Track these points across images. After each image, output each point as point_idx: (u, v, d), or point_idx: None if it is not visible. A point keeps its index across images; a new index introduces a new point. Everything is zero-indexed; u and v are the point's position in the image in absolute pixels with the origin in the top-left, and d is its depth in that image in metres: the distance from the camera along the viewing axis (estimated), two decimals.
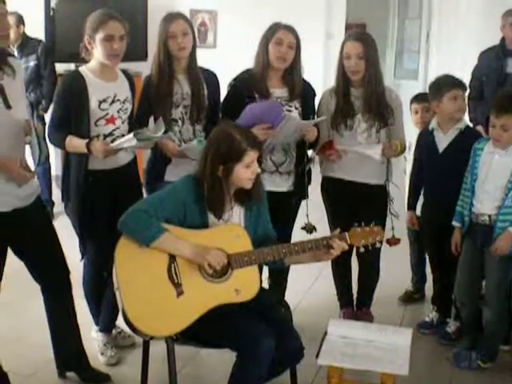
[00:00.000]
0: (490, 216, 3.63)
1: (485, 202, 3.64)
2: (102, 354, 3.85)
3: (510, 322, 4.18)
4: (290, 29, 3.83)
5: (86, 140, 3.48)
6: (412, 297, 4.78)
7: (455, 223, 3.87)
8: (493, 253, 3.62)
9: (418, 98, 4.43)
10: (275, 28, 3.83)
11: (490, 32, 7.24)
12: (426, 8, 9.44)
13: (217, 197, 3.04)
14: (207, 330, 2.98)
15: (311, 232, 3.91)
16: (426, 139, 4.11)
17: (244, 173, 3.02)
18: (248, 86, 3.84)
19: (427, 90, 4.22)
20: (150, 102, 3.78)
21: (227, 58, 6.84)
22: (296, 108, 3.89)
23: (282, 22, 3.86)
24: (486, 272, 3.75)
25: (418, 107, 4.38)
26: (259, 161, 3.10)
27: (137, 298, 2.94)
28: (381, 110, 3.95)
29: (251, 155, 3.02)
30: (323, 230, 4.15)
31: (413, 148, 4.33)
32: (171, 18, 3.78)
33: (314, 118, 3.87)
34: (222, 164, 3.00)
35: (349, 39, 3.97)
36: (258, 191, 3.17)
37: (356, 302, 4.35)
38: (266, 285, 4.09)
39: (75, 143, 3.51)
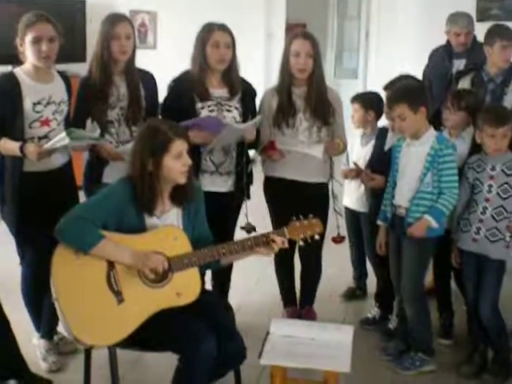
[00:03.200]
0: (406, 208, 3.71)
1: (404, 193, 3.73)
2: (44, 360, 3.78)
3: (451, 315, 4.30)
4: (224, 28, 3.83)
5: (20, 143, 3.42)
6: (354, 293, 4.82)
7: (379, 222, 3.94)
8: (408, 235, 3.68)
9: (358, 98, 4.48)
10: (210, 29, 3.82)
11: (428, 30, 7.40)
12: (364, 7, 9.58)
13: (147, 192, 3.01)
14: (150, 334, 2.96)
15: (251, 232, 3.92)
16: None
17: (174, 164, 3.00)
18: (187, 87, 3.82)
19: (367, 89, 4.28)
20: (87, 104, 3.73)
21: (168, 59, 6.79)
22: (236, 108, 3.89)
23: (215, 22, 3.85)
24: (402, 264, 3.81)
25: (358, 107, 4.43)
26: (192, 157, 3.08)
27: (76, 308, 2.89)
28: (322, 109, 3.99)
29: (178, 144, 3.00)
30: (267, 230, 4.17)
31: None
32: (116, 19, 3.76)
33: (254, 118, 3.87)
34: (151, 157, 2.98)
35: (297, 37, 3.98)
36: (192, 188, 3.15)
37: (299, 301, 4.37)
38: (209, 286, 4.09)
39: (9, 146, 3.45)
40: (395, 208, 3.78)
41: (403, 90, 3.75)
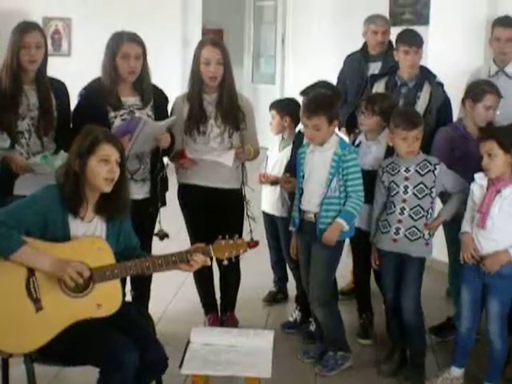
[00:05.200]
0: (315, 214, 3.76)
1: (311, 199, 3.78)
2: None
3: (371, 315, 4.37)
4: (134, 39, 3.81)
5: None
6: (275, 297, 4.85)
7: (291, 227, 3.98)
8: (322, 242, 3.72)
9: (275, 105, 4.51)
10: (119, 40, 3.78)
11: (344, 35, 7.53)
12: (280, 13, 9.65)
13: (73, 191, 2.97)
14: (69, 347, 2.91)
15: (163, 238, 3.91)
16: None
17: (98, 167, 2.96)
18: (99, 96, 3.78)
19: (285, 94, 4.31)
20: None
21: (82, 67, 6.69)
22: (149, 116, 3.87)
23: (125, 32, 3.82)
24: (311, 268, 3.86)
25: (275, 113, 4.46)
26: (121, 168, 3.04)
27: None
28: (233, 115, 4.01)
29: (105, 148, 2.97)
30: (185, 237, 4.16)
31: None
32: (27, 28, 3.69)
33: None
34: (78, 157, 2.96)
35: (207, 45, 3.98)
36: (125, 202, 3.12)
37: (220, 307, 4.37)
38: (129, 297, 4.04)
39: None
40: (304, 213, 3.82)
41: (323, 103, 3.76)
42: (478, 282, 3.58)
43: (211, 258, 3.19)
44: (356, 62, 5.39)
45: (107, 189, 3.01)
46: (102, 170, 2.97)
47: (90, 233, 3.05)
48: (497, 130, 3.65)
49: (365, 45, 5.43)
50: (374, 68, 5.26)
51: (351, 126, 4.53)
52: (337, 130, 4.93)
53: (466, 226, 3.60)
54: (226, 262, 3.18)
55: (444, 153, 3.92)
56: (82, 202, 3.01)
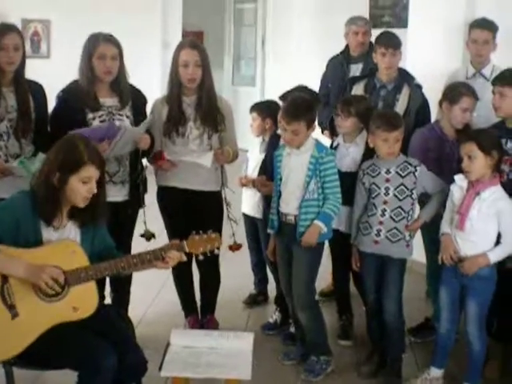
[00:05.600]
0: (295, 216, 3.76)
1: (290, 202, 3.78)
2: None
3: (351, 317, 4.39)
4: (110, 40, 3.80)
5: None
6: (256, 299, 4.86)
7: (269, 230, 3.97)
8: (302, 245, 3.73)
9: (256, 107, 4.52)
10: (95, 41, 3.78)
11: (324, 38, 7.55)
12: (260, 16, 9.67)
13: (48, 202, 2.95)
14: (47, 351, 2.90)
15: (150, 239, 3.90)
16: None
17: (79, 188, 2.95)
18: (77, 98, 3.78)
19: (265, 97, 4.31)
20: None
21: (62, 69, 6.65)
22: (127, 117, 3.87)
23: (101, 33, 3.82)
24: (293, 272, 3.85)
25: (255, 115, 4.46)
26: (99, 183, 3.03)
27: None
28: (212, 117, 4.01)
29: (90, 170, 2.96)
30: (166, 238, 4.15)
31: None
32: (5, 29, 3.69)
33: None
34: (58, 171, 2.92)
35: (185, 47, 3.99)
36: (100, 212, 3.11)
37: (200, 309, 4.37)
38: (108, 299, 4.03)
39: None
40: (284, 216, 3.82)
41: (302, 108, 3.74)
42: (456, 283, 3.60)
43: (190, 257, 3.18)
44: (338, 64, 5.41)
45: (83, 205, 3.01)
46: (82, 189, 2.96)
47: (63, 238, 3.04)
48: (477, 132, 3.67)
49: (346, 47, 5.45)
50: (356, 70, 5.27)
51: (334, 129, 4.54)
52: (320, 133, 4.99)
53: (445, 227, 3.63)
54: (201, 258, 3.18)
55: (419, 154, 3.94)
56: (57, 212, 3.01)
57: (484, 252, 3.48)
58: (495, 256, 3.49)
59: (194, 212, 3.99)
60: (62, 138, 3.06)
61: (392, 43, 4.50)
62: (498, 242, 3.51)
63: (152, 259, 3.06)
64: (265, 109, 4.43)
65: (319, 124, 5.21)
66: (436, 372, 3.74)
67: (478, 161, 3.45)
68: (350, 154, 4.02)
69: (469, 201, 3.49)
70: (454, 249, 3.54)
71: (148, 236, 3.96)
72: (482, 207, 3.47)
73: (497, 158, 3.48)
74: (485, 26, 4.47)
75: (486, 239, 3.50)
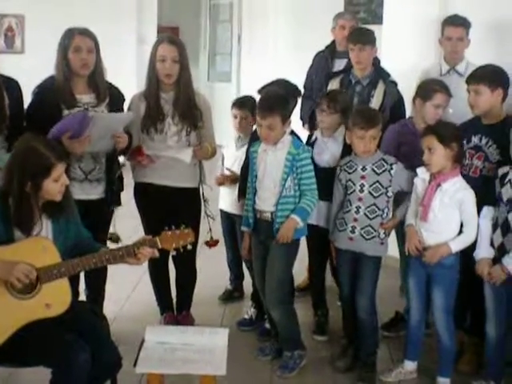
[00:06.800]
0: (271, 213, 3.76)
1: (266, 199, 3.78)
2: None
3: (326, 312, 4.40)
4: (85, 33, 3.78)
5: None
6: (232, 295, 4.86)
7: (243, 228, 3.97)
8: (277, 241, 3.73)
9: (237, 104, 4.50)
10: (70, 34, 3.75)
11: (300, 34, 7.57)
12: (236, 12, 9.67)
13: (25, 213, 2.94)
14: (20, 349, 2.88)
15: (117, 242, 3.88)
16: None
17: (54, 187, 2.95)
18: (52, 94, 3.74)
19: (241, 92, 4.29)
20: None
21: (36, 64, 6.61)
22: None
23: (76, 27, 3.79)
24: (267, 267, 3.85)
25: (237, 112, 4.45)
26: (67, 171, 3.02)
27: None
28: (190, 113, 4.00)
29: (59, 168, 2.96)
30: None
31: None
32: None
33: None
34: (30, 180, 2.91)
35: (163, 42, 3.97)
36: (69, 203, 3.11)
37: (176, 306, 4.36)
38: (83, 296, 4.01)
39: None
40: (259, 213, 3.81)
41: (276, 102, 3.73)
42: (423, 273, 3.65)
43: (166, 254, 3.17)
44: (323, 58, 5.42)
45: (59, 198, 3.01)
46: (57, 186, 2.96)
47: (34, 233, 3.01)
48: (436, 125, 3.70)
49: (333, 42, 5.45)
50: (339, 65, 5.25)
51: (313, 123, 4.54)
52: (301, 126, 4.99)
53: (410, 219, 3.69)
54: (173, 253, 3.17)
55: (391, 148, 3.96)
56: (33, 217, 2.99)
57: (446, 242, 3.54)
58: (456, 245, 3.55)
59: (172, 209, 3.97)
60: (18, 147, 3.02)
61: (359, 39, 4.53)
62: (460, 232, 3.57)
63: (124, 255, 3.05)
64: (246, 104, 4.41)
65: (301, 118, 5.24)
66: (410, 365, 3.78)
67: (437, 153, 3.51)
68: (328, 149, 4.02)
69: (431, 193, 3.55)
70: (418, 239, 3.59)
71: (114, 239, 3.94)
72: (443, 198, 3.53)
73: (457, 150, 3.53)
74: (458, 23, 4.50)
75: (449, 229, 3.57)
